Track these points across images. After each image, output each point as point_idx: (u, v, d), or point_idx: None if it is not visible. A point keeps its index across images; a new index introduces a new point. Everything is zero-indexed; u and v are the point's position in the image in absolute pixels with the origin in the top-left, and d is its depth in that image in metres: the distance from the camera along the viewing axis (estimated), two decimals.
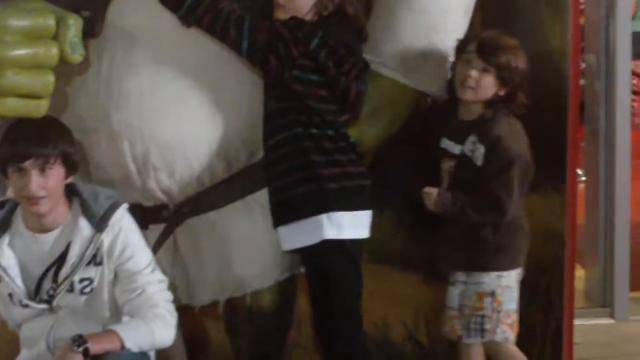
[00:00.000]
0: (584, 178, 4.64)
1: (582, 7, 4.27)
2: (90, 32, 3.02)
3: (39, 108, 2.94)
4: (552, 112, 3.60)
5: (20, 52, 2.86)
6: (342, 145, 3.19)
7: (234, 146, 3.28)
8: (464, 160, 3.22)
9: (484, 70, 3.17)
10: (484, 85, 3.17)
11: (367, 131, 3.38)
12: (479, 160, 3.18)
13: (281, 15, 3.15)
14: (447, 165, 3.29)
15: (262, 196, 3.29)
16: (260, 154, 3.29)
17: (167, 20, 3.10)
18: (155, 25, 3.13)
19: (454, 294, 3.32)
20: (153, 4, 3.08)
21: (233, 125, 3.24)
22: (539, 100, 3.45)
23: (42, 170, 2.84)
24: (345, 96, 3.16)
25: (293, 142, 3.15)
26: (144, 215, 3.20)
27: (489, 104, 3.21)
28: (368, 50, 3.29)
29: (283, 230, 3.21)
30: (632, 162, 4.31)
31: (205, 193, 3.31)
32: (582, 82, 4.37)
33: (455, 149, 3.27)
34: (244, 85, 3.23)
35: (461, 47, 3.25)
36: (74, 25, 2.92)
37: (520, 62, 3.20)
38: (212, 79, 3.19)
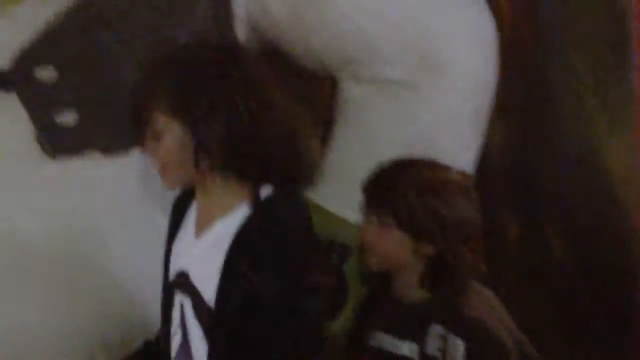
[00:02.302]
0: None
1: None
2: None
3: None
4: (614, 273, 3.21)
5: None
6: None
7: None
8: None
9: (382, 224, 2.73)
10: (387, 245, 2.73)
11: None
12: None
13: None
14: None
15: None
16: None
17: None
18: None
19: None
20: None
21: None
22: (593, 257, 3.14)
23: None
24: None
25: None
26: None
27: (426, 275, 2.76)
28: None
29: None
30: None
31: None
32: None
33: (405, 348, 2.73)
34: None
35: None
36: None
37: (432, 199, 2.71)
38: None
